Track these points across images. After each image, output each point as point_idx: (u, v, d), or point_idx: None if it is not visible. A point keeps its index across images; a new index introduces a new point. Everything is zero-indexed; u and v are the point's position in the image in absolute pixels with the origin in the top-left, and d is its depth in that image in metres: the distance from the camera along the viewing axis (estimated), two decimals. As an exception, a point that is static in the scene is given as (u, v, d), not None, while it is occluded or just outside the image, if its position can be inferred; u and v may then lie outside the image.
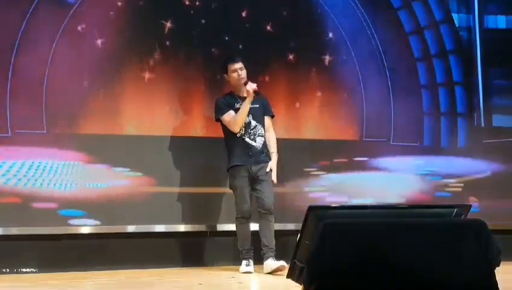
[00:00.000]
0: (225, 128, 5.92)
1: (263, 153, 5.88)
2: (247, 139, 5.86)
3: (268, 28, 6.66)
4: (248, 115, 5.85)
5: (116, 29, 6.25)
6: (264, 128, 5.93)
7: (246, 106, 5.81)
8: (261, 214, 5.80)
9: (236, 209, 5.88)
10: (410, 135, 7.06)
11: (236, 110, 5.85)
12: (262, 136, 5.91)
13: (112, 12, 6.24)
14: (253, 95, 5.79)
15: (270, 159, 5.90)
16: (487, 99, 7.32)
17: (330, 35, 6.86)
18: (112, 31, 6.24)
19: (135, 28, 6.30)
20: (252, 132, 5.87)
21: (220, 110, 5.90)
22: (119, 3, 6.27)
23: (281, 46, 6.70)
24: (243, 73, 5.89)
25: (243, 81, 5.86)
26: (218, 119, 5.93)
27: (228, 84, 6.00)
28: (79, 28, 6.11)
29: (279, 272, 5.59)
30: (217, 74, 6.34)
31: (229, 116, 5.86)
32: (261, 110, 5.96)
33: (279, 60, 6.68)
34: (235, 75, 5.90)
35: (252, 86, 5.81)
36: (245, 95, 5.86)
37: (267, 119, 6.00)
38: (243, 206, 5.82)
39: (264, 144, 5.90)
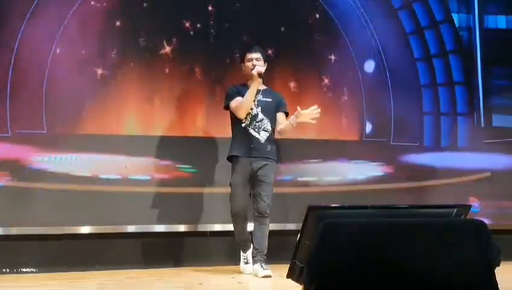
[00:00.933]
0: (232, 116, 5.75)
1: (267, 148, 5.68)
2: (251, 130, 5.66)
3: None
4: (257, 107, 5.70)
5: (118, 29, 6.25)
6: (271, 124, 5.71)
7: (251, 90, 5.60)
8: (256, 216, 5.65)
9: (230, 206, 5.72)
10: (410, 135, 7.06)
11: None
12: (268, 131, 5.70)
13: (113, 15, 6.25)
14: (258, 78, 5.61)
15: (275, 157, 5.73)
16: (487, 99, 7.32)
17: (330, 35, 6.86)
18: (113, 31, 6.24)
19: (136, 32, 6.31)
20: (257, 124, 5.68)
21: (229, 97, 5.72)
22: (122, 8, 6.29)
23: (279, 42, 6.69)
24: (258, 64, 5.70)
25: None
26: (226, 106, 5.75)
27: (243, 73, 5.82)
28: (79, 28, 6.12)
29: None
30: (217, 77, 6.37)
31: (236, 102, 5.67)
32: (273, 106, 5.75)
33: (279, 58, 6.68)
34: (249, 64, 5.73)
35: (257, 69, 5.65)
36: (259, 87, 5.72)
37: (281, 116, 5.79)
38: (234, 206, 5.66)
39: (268, 140, 5.69)
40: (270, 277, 5.50)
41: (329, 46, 6.86)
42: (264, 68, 5.74)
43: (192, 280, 5.46)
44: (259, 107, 5.71)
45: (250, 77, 5.72)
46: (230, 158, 5.74)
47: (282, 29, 6.69)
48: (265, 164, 5.66)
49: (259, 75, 5.65)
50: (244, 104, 5.64)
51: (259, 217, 5.63)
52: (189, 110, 6.41)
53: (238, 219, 5.70)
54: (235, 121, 5.72)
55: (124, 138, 6.20)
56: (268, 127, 5.72)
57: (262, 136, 5.69)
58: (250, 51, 5.77)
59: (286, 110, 5.85)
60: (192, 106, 6.40)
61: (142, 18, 6.34)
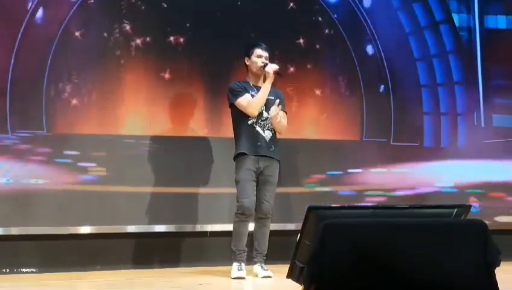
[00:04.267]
0: (236, 115, 5.59)
1: (271, 148, 5.60)
2: (258, 128, 5.55)
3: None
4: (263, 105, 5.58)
5: (116, 30, 6.26)
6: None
7: (266, 87, 5.47)
8: (258, 218, 5.59)
9: (236, 204, 5.54)
10: (410, 135, 7.06)
11: (252, 97, 5.54)
12: (271, 131, 5.60)
13: (114, 15, 6.25)
14: (274, 76, 5.48)
15: (278, 157, 5.61)
16: (487, 99, 7.31)
17: (330, 35, 6.85)
18: (114, 31, 6.24)
19: (137, 31, 6.31)
20: (262, 123, 5.57)
21: (235, 94, 5.54)
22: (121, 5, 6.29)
23: (279, 42, 6.69)
24: (267, 62, 5.58)
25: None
26: (232, 104, 5.58)
27: (246, 69, 5.70)
28: (80, 28, 6.12)
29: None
30: (216, 78, 6.36)
31: (245, 99, 5.50)
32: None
33: (279, 58, 6.67)
34: (258, 60, 5.57)
35: (272, 67, 5.49)
36: (261, 85, 5.56)
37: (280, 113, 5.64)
38: (244, 201, 5.47)
39: (272, 140, 5.60)
40: (270, 277, 5.49)
41: (329, 46, 6.86)
42: (276, 66, 5.54)
43: (192, 280, 5.46)
44: (264, 106, 5.59)
45: (257, 73, 5.60)
46: (236, 156, 5.60)
47: (281, 30, 6.69)
48: (271, 164, 5.59)
49: (277, 73, 5.51)
50: (259, 101, 5.49)
51: (262, 218, 5.59)
52: (190, 110, 6.41)
53: (244, 216, 5.51)
54: (241, 118, 5.56)
55: (124, 138, 6.20)
56: (272, 126, 5.62)
57: (267, 135, 5.59)
58: (260, 46, 5.62)
59: (284, 110, 5.74)
60: (192, 106, 6.40)
61: (143, 18, 6.34)
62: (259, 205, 5.57)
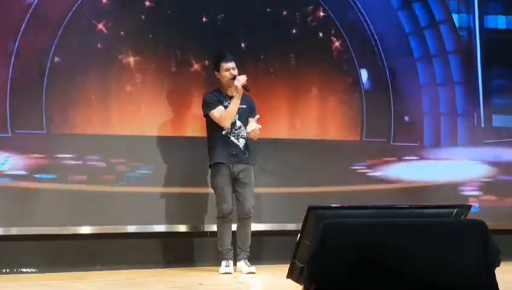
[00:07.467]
0: (210, 124, 5.87)
1: (246, 154, 5.85)
2: (232, 138, 5.83)
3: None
4: (235, 114, 5.83)
5: (115, 30, 6.25)
6: (247, 131, 5.89)
7: (236, 101, 5.76)
8: (240, 218, 5.84)
9: (217, 209, 5.86)
10: (410, 135, 7.06)
11: (225, 107, 5.81)
12: (245, 138, 5.87)
13: (114, 16, 6.25)
14: (242, 90, 5.75)
15: (252, 161, 5.90)
16: (487, 99, 7.31)
17: (330, 35, 6.85)
18: (115, 32, 6.24)
19: (139, 30, 6.31)
20: (236, 132, 5.85)
21: (209, 106, 5.83)
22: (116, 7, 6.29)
23: (280, 42, 6.69)
24: (235, 73, 5.83)
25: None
26: (206, 115, 5.86)
27: (218, 81, 5.94)
28: (78, 27, 6.12)
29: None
30: (211, 75, 6.36)
31: (219, 111, 5.79)
32: (247, 113, 5.93)
33: (279, 58, 6.68)
34: (227, 74, 5.84)
35: (240, 81, 5.74)
36: (234, 94, 5.80)
37: (252, 121, 5.93)
38: (223, 206, 5.80)
39: (246, 146, 5.86)
40: (253, 273, 5.68)
41: (329, 46, 6.85)
42: (245, 77, 5.79)
43: (192, 280, 5.46)
44: (237, 115, 5.85)
45: (227, 87, 5.85)
46: (212, 165, 5.86)
47: (280, 28, 6.68)
48: (245, 167, 5.85)
49: (244, 87, 5.75)
50: (231, 114, 5.79)
51: (245, 218, 5.83)
52: (190, 110, 6.41)
53: (226, 219, 5.82)
54: (215, 128, 5.83)
55: (125, 138, 6.20)
56: (245, 134, 5.89)
57: (241, 143, 5.85)
58: (225, 60, 5.86)
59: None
60: (192, 106, 6.39)
61: (144, 19, 6.34)
62: (240, 206, 5.82)
